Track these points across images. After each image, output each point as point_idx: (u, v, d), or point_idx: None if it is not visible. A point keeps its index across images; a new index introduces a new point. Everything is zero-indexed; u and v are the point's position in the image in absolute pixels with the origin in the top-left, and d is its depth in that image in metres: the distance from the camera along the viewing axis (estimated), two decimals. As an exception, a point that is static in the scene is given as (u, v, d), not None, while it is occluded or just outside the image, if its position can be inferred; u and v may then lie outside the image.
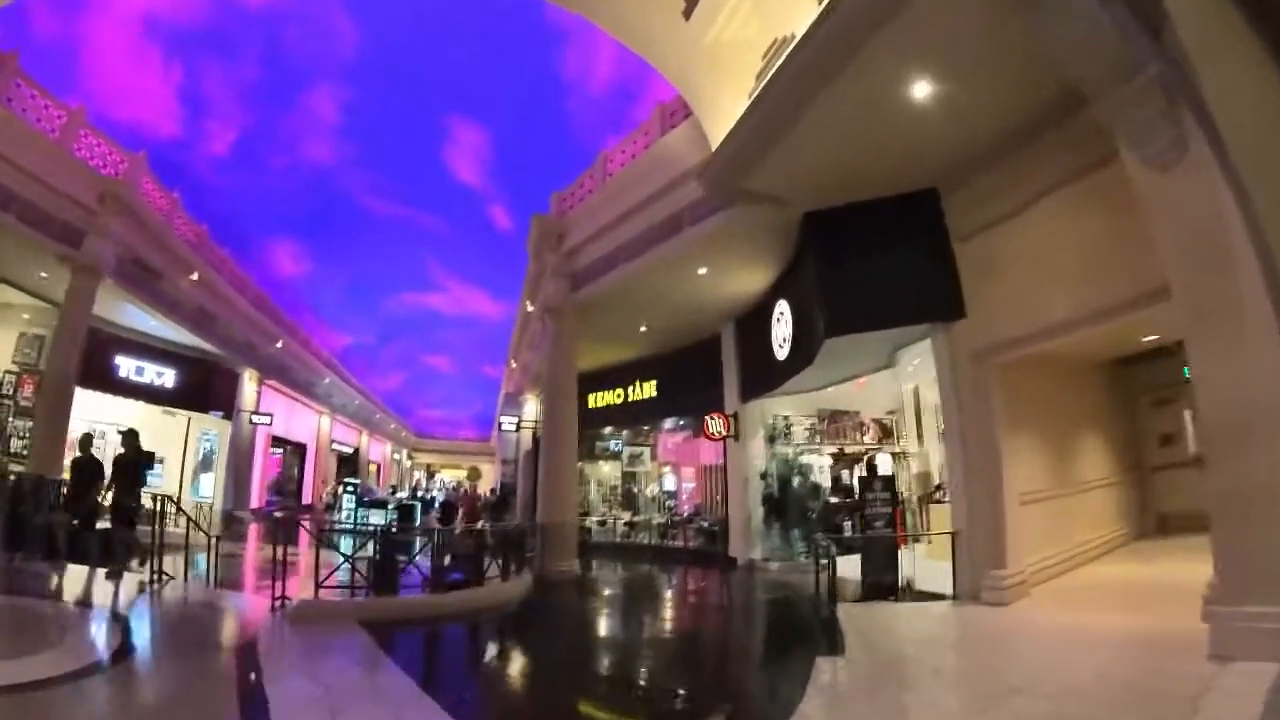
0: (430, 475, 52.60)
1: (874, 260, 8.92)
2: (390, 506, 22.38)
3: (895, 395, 13.69)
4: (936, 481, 10.37)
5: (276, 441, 29.74)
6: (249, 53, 37.18)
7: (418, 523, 22.64)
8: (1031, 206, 7.52)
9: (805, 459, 14.22)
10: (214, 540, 9.47)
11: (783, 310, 11.63)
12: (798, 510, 12.71)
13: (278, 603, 7.68)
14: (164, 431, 22.22)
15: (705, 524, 15.31)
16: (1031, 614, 7.14)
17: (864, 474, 14.36)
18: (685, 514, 17.00)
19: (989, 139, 7.49)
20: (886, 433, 15.85)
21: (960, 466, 8.32)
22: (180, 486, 22.82)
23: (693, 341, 15.93)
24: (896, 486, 9.50)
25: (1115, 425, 11.19)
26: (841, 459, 14.88)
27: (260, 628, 7.18)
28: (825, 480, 14.03)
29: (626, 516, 18.04)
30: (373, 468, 44.55)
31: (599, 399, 18.88)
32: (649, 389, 17.27)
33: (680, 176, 10.66)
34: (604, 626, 8.93)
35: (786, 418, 14.65)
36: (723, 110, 8.92)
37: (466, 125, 43.92)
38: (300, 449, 32.19)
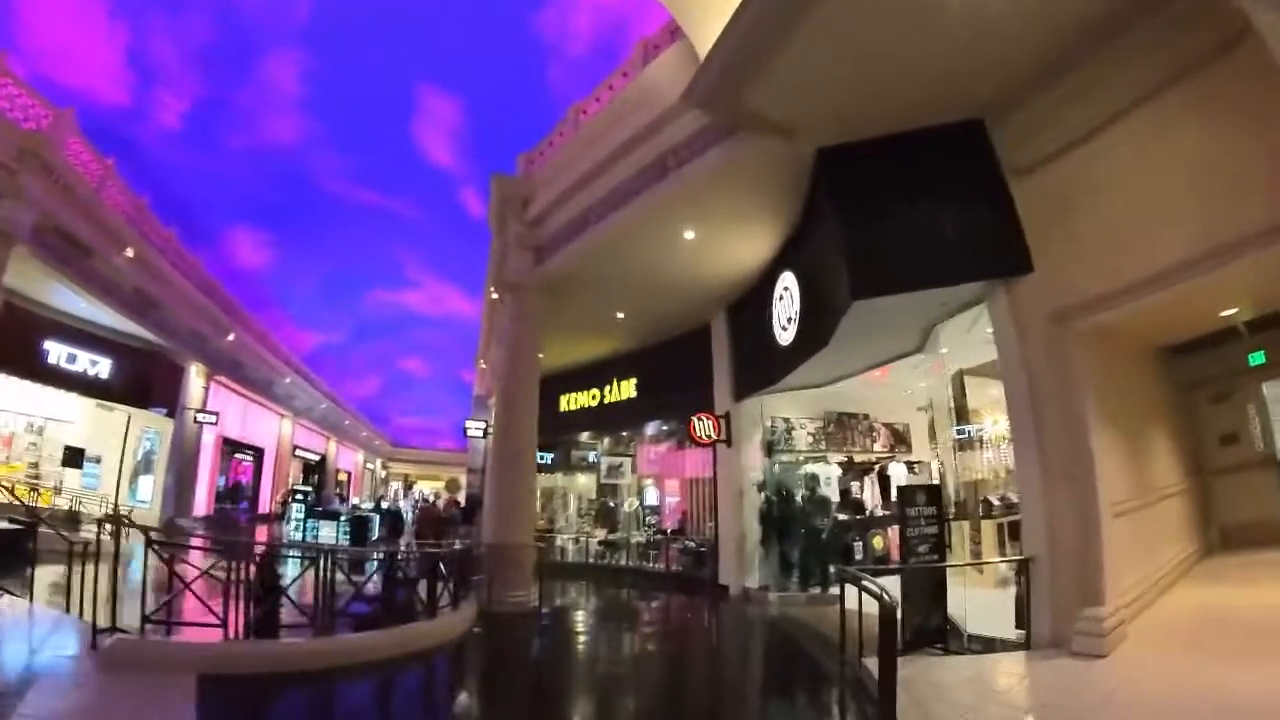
0: (408, 487, 50.10)
1: (909, 205, 6.93)
2: (343, 518, 20.21)
3: (916, 391, 11.70)
4: (995, 492, 8.24)
5: (230, 445, 27.35)
6: (201, 12, 34.34)
7: (375, 536, 20.46)
8: (1115, 124, 5.89)
9: (810, 468, 12.07)
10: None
11: (787, 285, 9.57)
12: (803, 529, 10.55)
13: (104, 637, 5.52)
14: (100, 428, 20.31)
15: (691, 544, 13.12)
16: (1147, 668, 5.11)
17: (895, 482, 12.34)
18: (669, 529, 14.83)
19: (1053, 41, 5.79)
20: (899, 439, 13.87)
21: (1034, 468, 6.24)
22: (118, 489, 20.79)
23: (677, 334, 13.85)
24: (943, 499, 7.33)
25: (1175, 422, 9.30)
26: (851, 469, 12.78)
27: (47, 673, 4.98)
28: (834, 493, 11.88)
29: (602, 534, 15.81)
30: (342, 477, 42.03)
31: (572, 401, 16.72)
32: (627, 389, 15.14)
33: (665, 114, 8.62)
34: (550, 690, 6.68)
35: (787, 420, 12.54)
36: (719, 17, 6.90)
37: (437, 94, 40.78)
38: (257, 453, 29.76)
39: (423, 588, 8.11)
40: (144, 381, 21.66)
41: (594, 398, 16.00)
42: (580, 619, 10.09)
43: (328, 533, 19.81)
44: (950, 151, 6.91)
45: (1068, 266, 6.19)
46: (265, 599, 6.55)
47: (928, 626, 6.56)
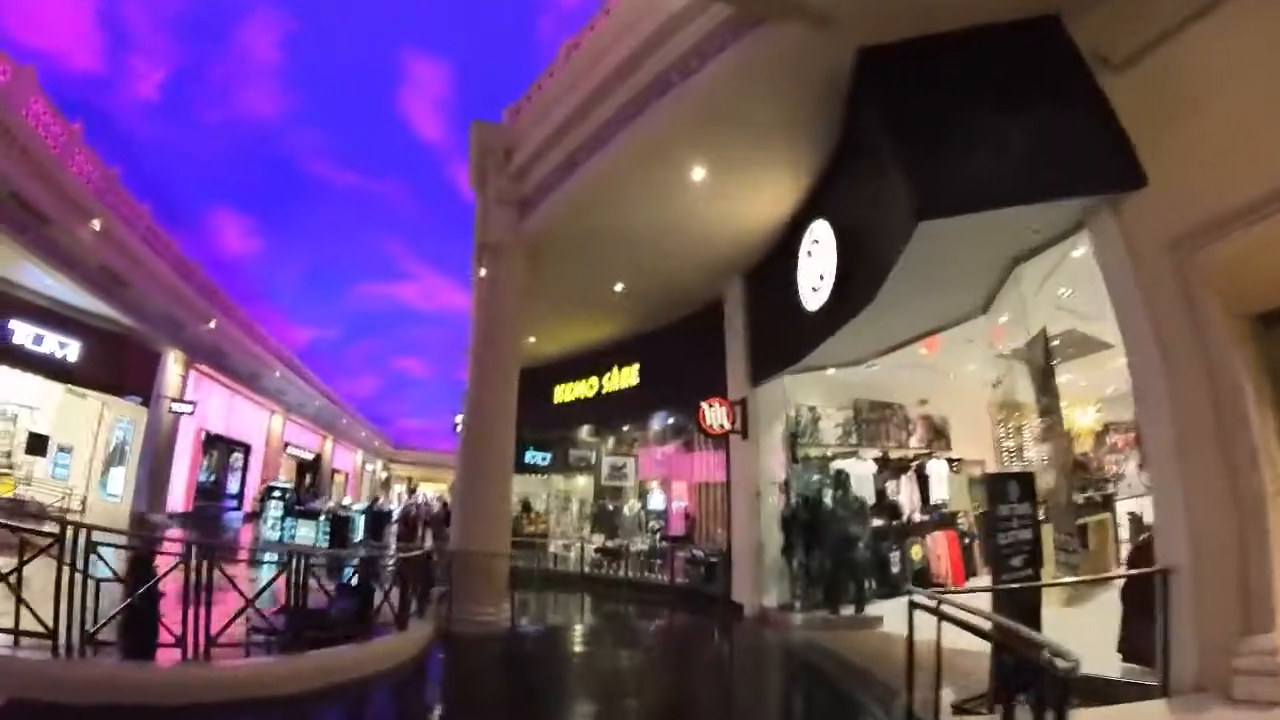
0: (412, 489, 48.59)
1: (979, 112, 5.34)
2: (322, 517, 18.69)
3: (962, 375, 10.00)
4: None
5: (213, 439, 25.89)
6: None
7: (358, 538, 18.82)
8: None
9: (840, 465, 10.29)
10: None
11: (818, 237, 7.85)
12: (835, 538, 8.75)
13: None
14: (71, 415, 18.98)
15: (699, 554, 11.35)
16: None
17: (935, 482, 10.67)
18: (674, 535, 13.10)
19: None
20: (938, 433, 12.12)
21: (1167, 444, 4.49)
22: (88, 481, 19.47)
23: (685, 312, 12.15)
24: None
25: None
26: (885, 467, 11.00)
27: None
28: (868, 495, 10.08)
29: (599, 540, 14.08)
30: (339, 477, 40.57)
31: (567, 391, 15.05)
32: (628, 376, 13.44)
33: (671, 19, 6.95)
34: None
35: (813, 409, 10.78)
36: None
37: (422, 60, 38.57)
38: (243, 449, 28.30)
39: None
40: (117, 367, 20.44)
41: (591, 387, 14.33)
42: (558, 645, 8.28)
43: (306, 533, 18.35)
44: (1023, 51, 5.36)
45: (1187, 179, 4.51)
46: (136, 607, 4.93)
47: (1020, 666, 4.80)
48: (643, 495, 14.76)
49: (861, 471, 10.46)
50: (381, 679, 5.73)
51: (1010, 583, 4.83)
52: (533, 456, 17.11)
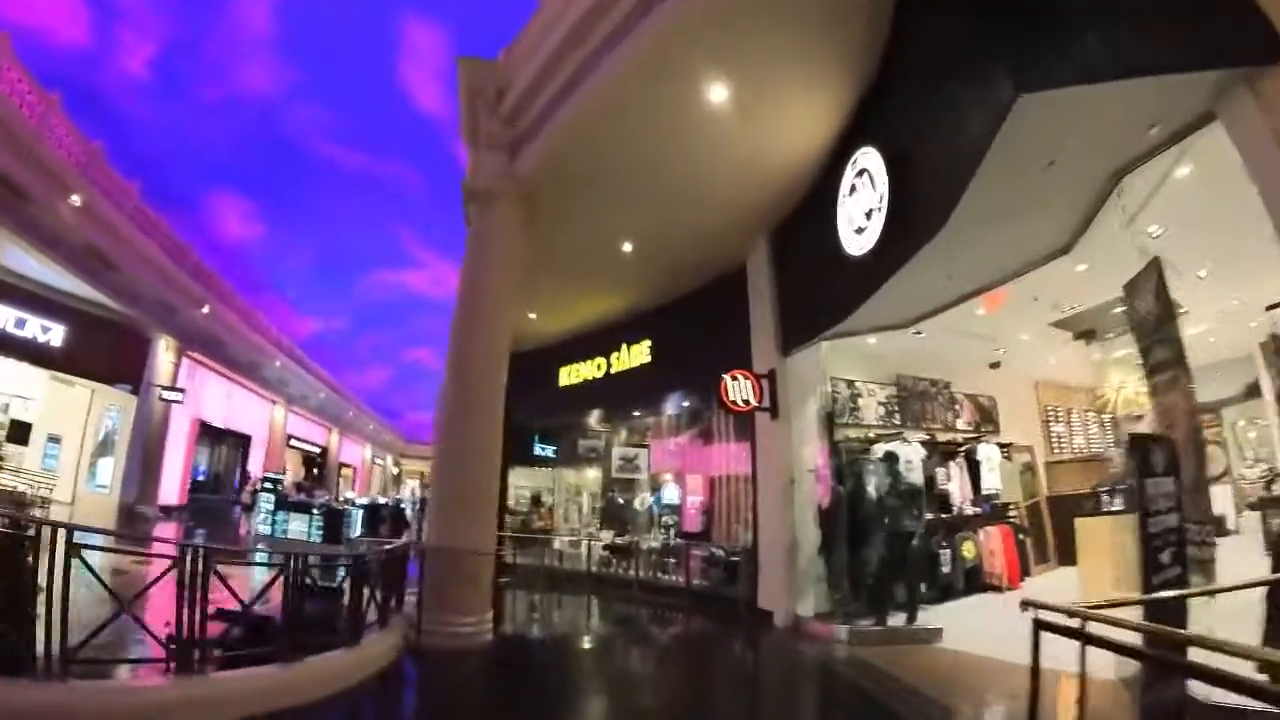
0: (425, 485, 47.68)
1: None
2: (315, 511, 17.60)
3: (1014, 347, 8.63)
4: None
5: (210, 430, 24.97)
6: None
7: (355, 533, 17.67)
8: None
9: (885, 448, 8.89)
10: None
11: (865, 167, 6.44)
12: (885, 533, 7.35)
13: None
14: (60, 404, 18.20)
15: (719, 553, 9.99)
16: None
17: (986, 469, 9.42)
18: (690, 532, 11.76)
19: None
20: (985, 415, 10.81)
21: None
22: (77, 472, 18.63)
23: (702, 280, 10.82)
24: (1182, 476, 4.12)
25: None
26: (933, 452, 9.58)
27: None
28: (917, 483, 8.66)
29: (607, 537, 12.78)
30: (347, 471, 39.70)
31: (572, 374, 13.74)
32: (639, 354, 12.10)
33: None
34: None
35: (851, 384, 9.41)
36: None
37: (421, 26, 37.40)
38: (243, 440, 27.39)
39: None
40: (104, 353, 19.69)
41: (599, 367, 13.02)
42: (546, 665, 6.85)
43: (298, 527, 17.30)
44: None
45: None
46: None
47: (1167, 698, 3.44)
48: (655, 489, 13.46)
49: (910, 456, 9.05)
50: (304, 714, 4.44)
51: (1161, 586, 3.45)
52: (541, 449, 15.93)
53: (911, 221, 5.57)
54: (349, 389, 37.01)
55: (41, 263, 14.82)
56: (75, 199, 14.53)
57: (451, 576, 6.60)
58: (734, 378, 8.20)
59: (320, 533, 16.51)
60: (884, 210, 6.00)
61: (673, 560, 11.35)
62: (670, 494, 13.11)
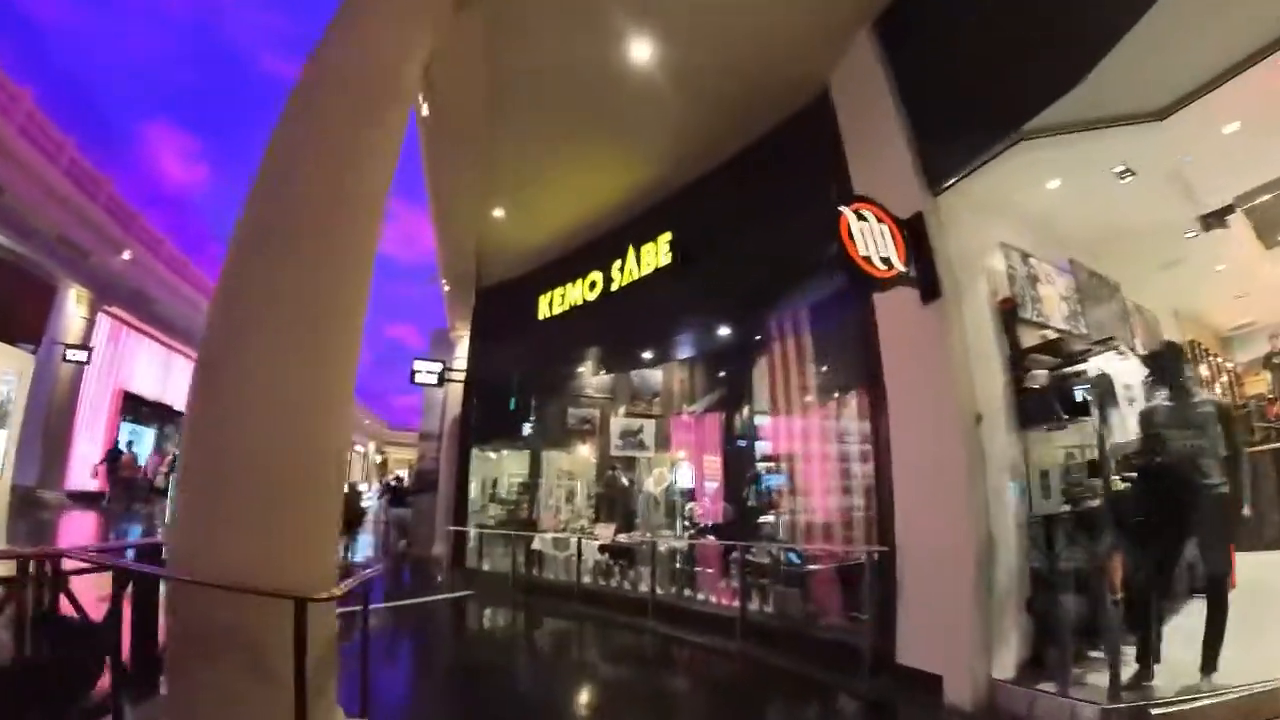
0: (411, 467, 43.62)
1: None
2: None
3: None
4: None
5: (135, 402, 20.88)
6: None
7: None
8: None
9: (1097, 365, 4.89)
10: None
11: None
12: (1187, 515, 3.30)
13: None
14: None
15: (794, 562, 5.87)
16: None
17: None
18: (713, 524, 7.74)
19: None
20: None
21: None
22: None
23: (756, 128, 6.76)
24: None
25: None
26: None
27: None
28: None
29: (605, 535, 8.62)
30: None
31: (557, 300, 9.62)
32: (653, 255, 7.94)
33: None
34: None
35: (1027, 259, 5.35)
36: None
37: None
38: (179, 416, 23.23)
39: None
40: (-5, 302, 15.61)
41: (594, 287, 8.88)
42: None
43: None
44: None
45: None
46: None
47: None
48: (674, 466, 9.44)
49: (1127, 377, 5.11)
50: None
51: None
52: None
53: None
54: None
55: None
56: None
57: (210, 646, 2.53)
58: (859, 213, 4.04)
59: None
60: None
61: (701, 570, 7.26)
62: (684, 475, 9.19)
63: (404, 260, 37.89)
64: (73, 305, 17.21)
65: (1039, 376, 4.71)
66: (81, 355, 16.64)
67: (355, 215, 3.41)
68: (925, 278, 4.30)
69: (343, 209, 3.34)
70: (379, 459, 47.05)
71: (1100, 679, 3.70)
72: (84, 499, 16.76)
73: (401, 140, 3.92)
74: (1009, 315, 4.84)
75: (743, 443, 8.86)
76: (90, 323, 17.80)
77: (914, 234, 4.40)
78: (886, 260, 4.06)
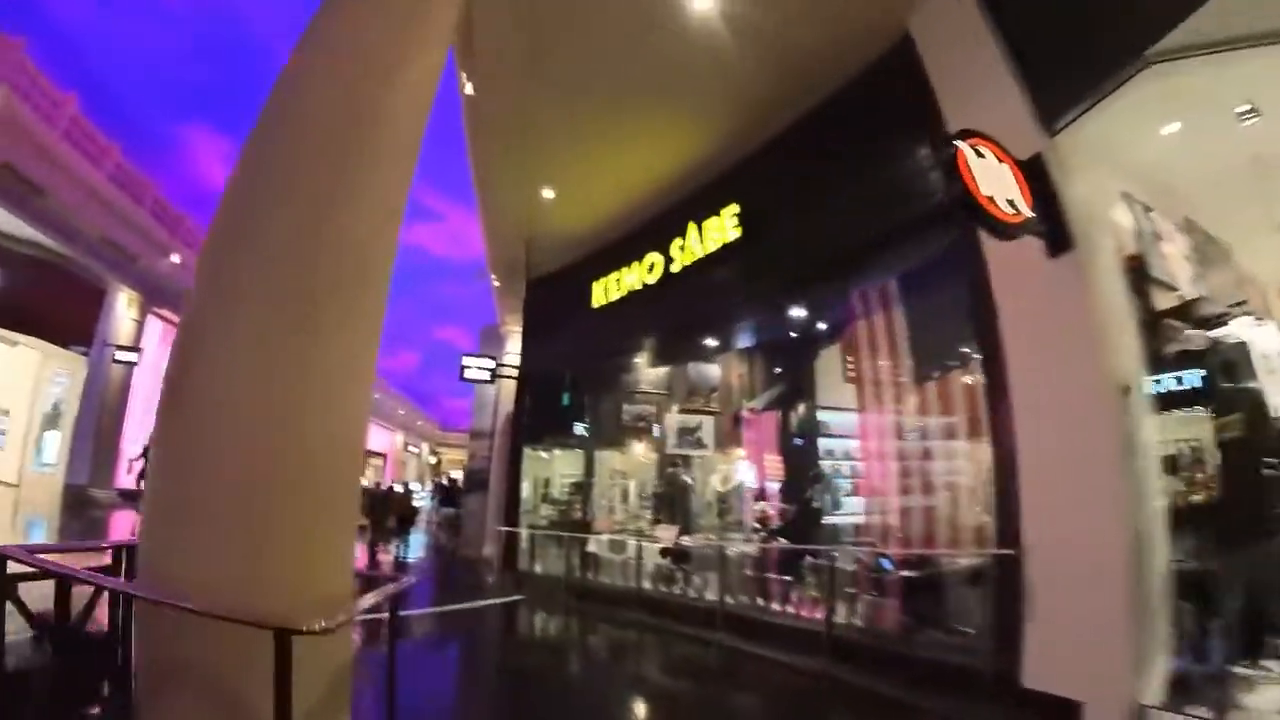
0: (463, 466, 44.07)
1: None
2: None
3: None
4: None
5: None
6: None
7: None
8: None
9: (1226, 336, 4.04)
10: None
11: None
12: None
13: None
14: (6, 370, 14.87)
15: (887, 565, 5.16)
16: None
17: None
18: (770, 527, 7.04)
19: None
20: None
21: None
22: (24, 449, 15.34)
23: (830, 83, 6.09)
24: None
25: None
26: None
27: None
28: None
29: (667, 538, 8.03)
30: (376, 461, 36.18)
31: (611, 286, 9.13)
32: (718, 232, 7.33)
33: None
34: None
35: (1149, 211, 4.53)
36: None
37: None
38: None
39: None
40: (46, 305, 16.17)
41: (651, 269, 8.33)
42: None
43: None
44: None
45: None
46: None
47: None
48: (734, 464, 8.81)
49: (1266, 346, 4.20)
50: None
51: None
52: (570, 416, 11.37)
53: None
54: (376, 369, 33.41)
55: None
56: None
57: (182, 680, 2.06)
58: (977, 149, 3.36)
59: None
60: None
61: (780, 577, 6.58)
62: (748, 474, 8.53)
63: (453, 259, 38.07)
64: (123, 307, 17.63)
65: (1189, 339, 3.92)
66: (132, 356, 17.00)
67: (378, 163, 2.93)
68: (1054, 227, 3.57)
69: (364, 158, 2.87)
70: (433, 460, 47.72)
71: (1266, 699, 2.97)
72: (133, 497, 17.13)
73: (427, 110, 3.40)
74: (1138, 274, 4.06)
75: (806, 439, 8.21)
76: (140, 324, 18.20)
77: (1036, 178, 3.68)
78: (1012, 204, 3.36)
